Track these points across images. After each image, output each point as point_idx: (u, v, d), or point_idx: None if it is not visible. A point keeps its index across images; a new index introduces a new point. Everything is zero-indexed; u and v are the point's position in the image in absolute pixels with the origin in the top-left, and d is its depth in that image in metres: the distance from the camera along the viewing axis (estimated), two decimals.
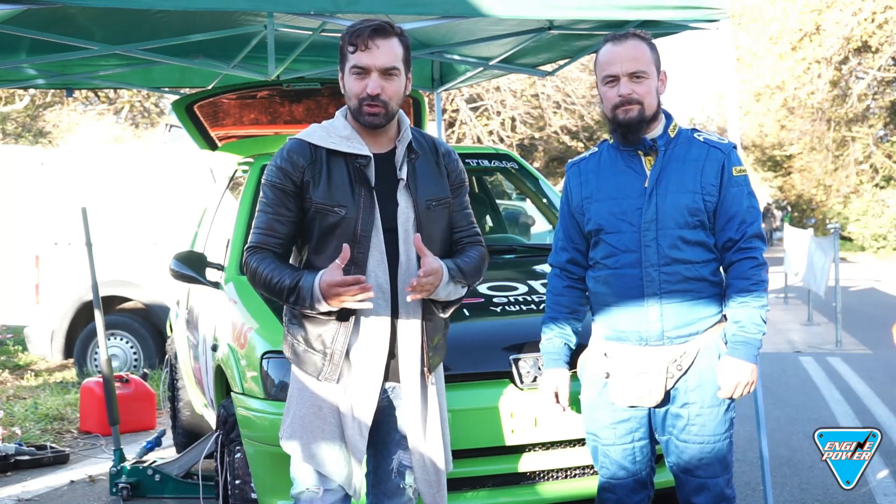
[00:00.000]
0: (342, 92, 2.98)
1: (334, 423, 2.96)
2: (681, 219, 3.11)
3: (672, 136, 3.20)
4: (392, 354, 2.98)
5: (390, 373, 3.00)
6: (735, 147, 3.24)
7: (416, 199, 2.98)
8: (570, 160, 3.44)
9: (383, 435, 3.09)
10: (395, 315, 2.96)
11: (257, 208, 2.98)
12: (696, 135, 3.24)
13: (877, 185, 28.24)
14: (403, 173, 2.98)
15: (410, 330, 2.97)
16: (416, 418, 3.01)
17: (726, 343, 3.16)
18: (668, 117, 3.24)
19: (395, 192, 2.96)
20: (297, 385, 3.03)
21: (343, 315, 2.91)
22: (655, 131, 3.19)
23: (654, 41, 3.21)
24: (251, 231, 2.99)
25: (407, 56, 2.96)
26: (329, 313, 2.90)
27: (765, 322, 3.13)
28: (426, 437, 3.04)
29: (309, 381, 2.99)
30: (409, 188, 2.97)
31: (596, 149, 3.33)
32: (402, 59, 2.93)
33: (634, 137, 3.15)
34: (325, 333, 2.94)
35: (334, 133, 2.97)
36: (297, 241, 3.02)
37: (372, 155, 2.96)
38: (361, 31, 2.88)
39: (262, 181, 2.98)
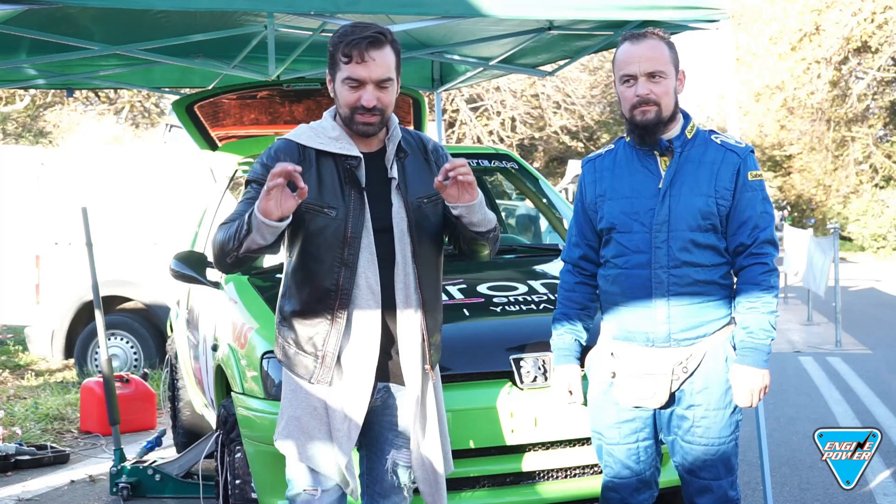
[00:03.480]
0: (331, 95, 2.96)
1: (328, 422, 2.96)
2: (693, 221, 3.10)
3: (689, 136, 3.18)
4: (386, 354, 2.97)
5: (381, 372, 2.99)
6: (752, 151, 3.22)
7: (407, 199, 2.97)
8: (586, 156, 3.43)
9: (376, 435, 3.08)
10: (390, 315, 2.96)
11: (238, 202, 2.94)
12: (713, 136, 3.22)
13: (876, 185, 28.23)
14: (394, 172, 2.97)
15: (409, 329, 2.96)
16: (417, 417, 3.01)
17: (734, 348, 3.16)
18: (687, 117, 3.22)
19: (387, 193, 2.96)
20: (290, 386, 3.02)
21: (334, 316, 2.91)
22: (672, 132, 3.17)
23: (672, 40, 3.18)
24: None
25: (398, 62, 2.94)
26: (318, 312, 2.90)
27: (774, 328, 3.11)
28: (426, 437, 3.04)
29: (301, 383, 2.98)
30: (399, 188, 2.96)
31: (612, 146, 3.32)
32: (395, 67, 2.92)
33: (651, 139, 3.13)
34: (316, 336, 2.93)
35: (323, 134, 2.95)
36: (286, 243, 2.99)
37: (362, 155, 2.95)
38: (357, 43, 2.83)
39: (246, 178, 2.96)
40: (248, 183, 2.96)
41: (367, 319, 2.93)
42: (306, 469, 2.97)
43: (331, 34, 4.40)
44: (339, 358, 2.94)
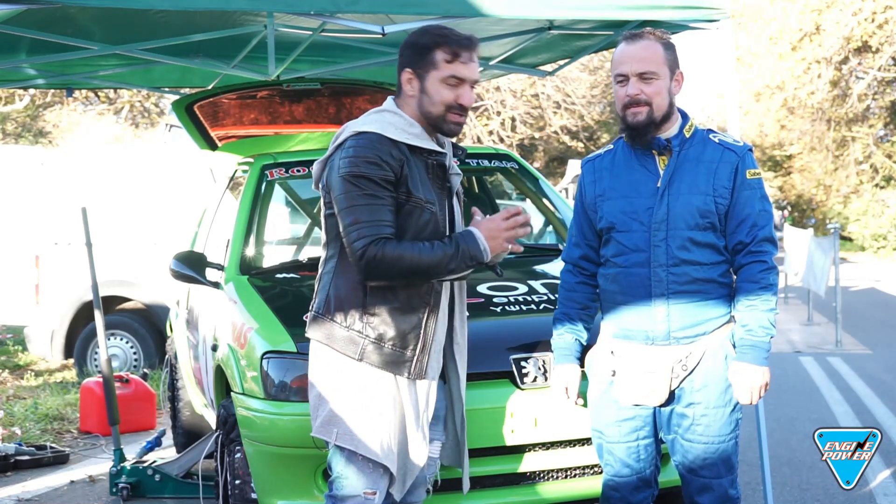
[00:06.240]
0: (409, 92, 2.98)
1: (403, 419, 3.00)
2: (691, 220, 3.11)
3: (687, 136, 3.19)
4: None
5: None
6: (751, 149, 3.23)
7: (455, 193, 3.12)
8: (586, 157, 3.46)
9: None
10: (451, 307, 3.09)
11: (353, 202, 2.88)
12: (711, 136, 3.23)
13: (877, 185, 28.23)
14: (457, 169, 3.10)
15: (463, 321, 3.12)
16: (463, 405, 3.17)
17: (734, 346, 3.16)
18: (685, 117, 3.24)
19: (451, 189, 3.09)
20: (357, 383, 2.96)
21: (430, 309, 2.98)
22: (670, 131, 3.19)
23: (671, 41, 3.19)
24: (358, 225, 2.87)
25: None
26: (416, 307, 2.96)
27: (773, 326, 3.12)
28: (461, 427, 3.19)
29: (376, 377, 2.96)
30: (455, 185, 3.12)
31: (612, 146, 3.34)
32: None
33: (642, 140, 3.15)
34: (413, 330, 2.96)
35: (403, 129, 2.96)
36: None
37: (446, 153, 3.05)
38: (467, 44, 2.96)
39: (354, 174, 2.88)
40: (361, 178, 2.88)
41: (445, 312, 3.04)
42: (368, 468, 2.97)
43: (331, 34, 4.38)
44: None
